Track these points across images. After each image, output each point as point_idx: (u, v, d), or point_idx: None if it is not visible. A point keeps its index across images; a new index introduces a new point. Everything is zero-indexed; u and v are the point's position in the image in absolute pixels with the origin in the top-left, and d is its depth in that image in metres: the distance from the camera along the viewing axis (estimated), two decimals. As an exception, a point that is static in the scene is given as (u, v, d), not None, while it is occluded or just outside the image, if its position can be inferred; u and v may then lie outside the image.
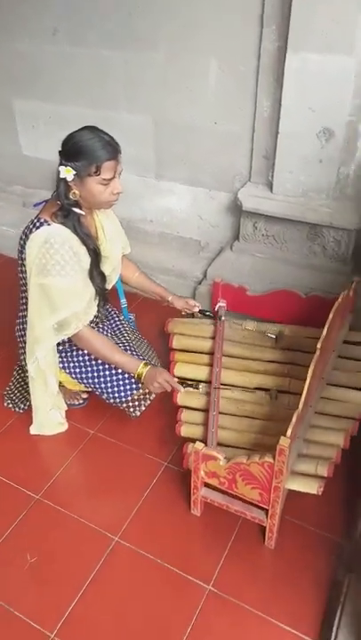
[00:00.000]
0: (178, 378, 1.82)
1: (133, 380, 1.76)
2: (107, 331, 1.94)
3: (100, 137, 1.53)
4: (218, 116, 2.23)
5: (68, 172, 1.53)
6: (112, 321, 2.02)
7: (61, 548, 1.56)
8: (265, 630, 1.36)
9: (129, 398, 1.80)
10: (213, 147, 2.30)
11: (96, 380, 1.80)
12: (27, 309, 1.69)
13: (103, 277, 1.75)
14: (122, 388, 1.78)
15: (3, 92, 2.70)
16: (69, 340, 1.77)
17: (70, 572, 1.50)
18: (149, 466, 1.79)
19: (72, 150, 1.52)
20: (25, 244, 1.61)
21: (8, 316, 1.99)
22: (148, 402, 1.89)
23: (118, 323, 2.02)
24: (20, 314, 1.83)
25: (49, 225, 1.58)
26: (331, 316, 1.59)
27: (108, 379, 1.79)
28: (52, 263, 1.56)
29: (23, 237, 1.64)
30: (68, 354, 1.82)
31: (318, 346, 1.49)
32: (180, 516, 1.63)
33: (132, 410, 1.84)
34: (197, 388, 1.73)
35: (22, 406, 1.98)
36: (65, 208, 1.59)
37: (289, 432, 1.31)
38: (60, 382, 1.87)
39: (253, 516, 1.50)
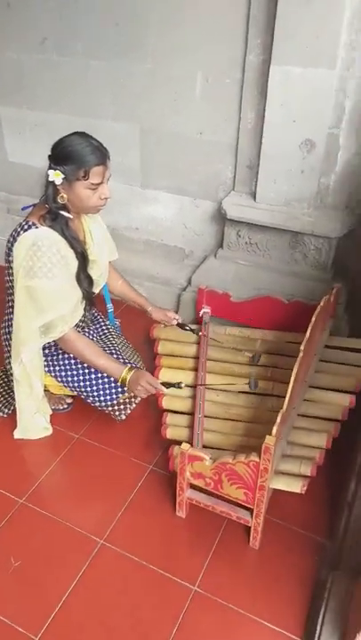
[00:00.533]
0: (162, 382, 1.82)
1: (119, 384, 1.77)
2: (93, 335, 1.95)
3: (89, 142, 1.56)
4: (203, 126, 2.28)
5: (56, 176, 1.55)
6: (98, 325, 2.04)
7: (46, 552, 1.55)
8: (251, 629, 1.37)
9: (114, 402, 1.80)
10: (198, 156, 2.35)
11: (81, 384, 1.81)
12: (13, 312, 1.69)
13: (90, 281, 1.77)
14: (107, 391, 1.79)
15: (-11, 99, 2.71)
16: (55, 343, 1.77)
17: (55, 575, 1.49)
18: (135, 469, 1.80)
19: (61, 154, 1.55)
20: (13, 246, 1.62)
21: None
22: (134, 405, 1.90)
23: (104, 327, 2.04)
24: (6, 317, 1.83)
25: (37, 228, 1.59)
26: (313, 319, 1.63)
27: (94, 382, 1.79)
28: (40, 265, 1.57)
29: (11, 240, 1.65)
30: (54, 357, 1.82)
31: (302, 348, 1.53)
32: (165, 518, 1.64)
33: (117, 413, 1.85)
34: (180, 387, 1.72)
35: (6, 410, 1.97)
36: (53, 211, 1.61)
37: (274, 431, 1.33)
38: (45, 386, 1.87)
39: (239, 516, 1.52)
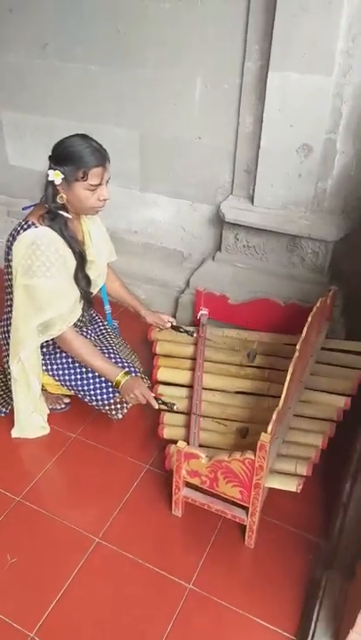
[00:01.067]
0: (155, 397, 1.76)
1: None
2: (91, 335, 1.96)
3: (89, 144, 1.58)
4: (202, 131, 2.31)
5: (56, 176, 1.57)
6: (96, 325, 2.05)
7: (42, 549, 1.56)
8: (245, 627, 1.38)
9: (111, 401, 1.81)
10: (197, 161, 2.38)
11: (79, 383, 1.82)
12: (12, 311, 1.71)
13: (88, 281, 1.79)
14: (104, 390, 1.80)
15: (-9, 103, 2.74)
16: (53, 342, 1.79)
17: (51, 572, 1.49)
18: (131, 469, 1.81)
19: (62, 155, 1.57)
20: (12, 245, 1.64)
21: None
22: (131, 405, 1.91)
23: (102, 327, 2.05)
24: (5, 316, 1.84)
25: (36, 227, 1.61)
26: (309, 319, 1.65)
27: (91, 381, 1.81)
28: (38, 264, 1.59)
29: (10, 239, 1.66)
30: (52, 356, 1.84)
31: (298, 347, 1.55)
32: (161, 517, 1.65)
33: (113, 412, 1.86)
34: (172, 409, 1.73)
35: (4, 410, 1.98)
36: (52, 211, 1.63)
37: (269, 428, 1.35)
38: (43, 386, 1.88)
39: (234, 514, 1.53)
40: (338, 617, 1.30)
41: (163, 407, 1.74)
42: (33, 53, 2.49)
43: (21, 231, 1.62)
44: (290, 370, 1.48)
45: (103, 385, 1.80)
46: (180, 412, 1.83)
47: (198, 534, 1.60)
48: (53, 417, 1.97)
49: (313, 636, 1.30)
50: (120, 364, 1.82)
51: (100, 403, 1.81)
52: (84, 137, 1.60)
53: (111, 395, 1.80)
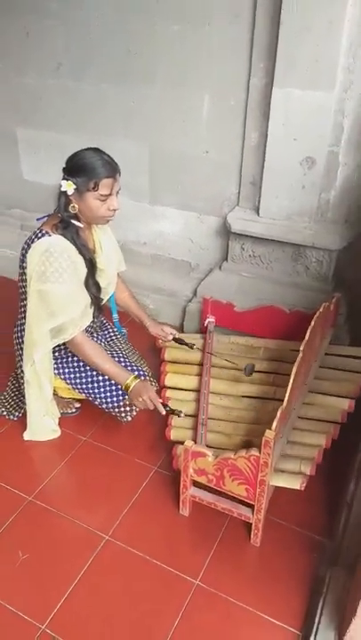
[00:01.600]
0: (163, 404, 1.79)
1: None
2: (101, 340, 2.03)
3: (100, 156, 1.66)
4: (209, 145, 2.40)
5: (69, 187, 1.65)
6: (106, 332, 2.11)
7: (52, 546, 1.60)
8: (251, 622, 1.41)
9: (120, 404, 1.87)
10: (204, 174, 2.46)
11: (90, 386, 1.87)
12: (25, 317, 1.78)
13: (98, 287, 1.85)
14: (114, 393, 1.86)
15: (8, 122, 2.86)
16: (65, 347, 1.85)
17: (61, 568, 1.54)
18: (140, 470, 1.85)
19: (74, 166, 1.65)
20: (27, 253, 1.71)
21: (2, 336, 2.11)
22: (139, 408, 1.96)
23: (112, 333, 2.11)
24: (19, 322, 1.91)
25: (50, 236, 1.69)
26: (313, 323, 1.70)
27: (101, 384, 1.86)
28: (51, 270, 1.66)
29: (25, 247, 1.74)
30: (64, 360, 1.90)
31: (301, 348, 1.59)
32: (169, 516, 1.68)
33: (123, 415, 1.91)
34: (180, 416, 1.78)
35: (16, 414, 2.04)
36: (65, 220, 1.70)
37: (274, 425, 1.39)
38: (55, 390, 1.94)
39: (240, 512, 1.56)
40: (341, 612, 1.33)
41: (169, 412, 1.78)
42: (47, 74, 2.61)
43: (35, 239, 1.69)
44: (294, 370, 1.53)
45: (113, 388, 1.85)
46: (187, 415, 1.87)
47: (205, 532, 1.63)
48: (64, 420, 2.03)
49: (317, 630, 1.32)
50: (129, 368, 1.88)
51: (110, 405, 1.87)
52: (96, 150, 1.68)
53: (121, 397, 1.85)
